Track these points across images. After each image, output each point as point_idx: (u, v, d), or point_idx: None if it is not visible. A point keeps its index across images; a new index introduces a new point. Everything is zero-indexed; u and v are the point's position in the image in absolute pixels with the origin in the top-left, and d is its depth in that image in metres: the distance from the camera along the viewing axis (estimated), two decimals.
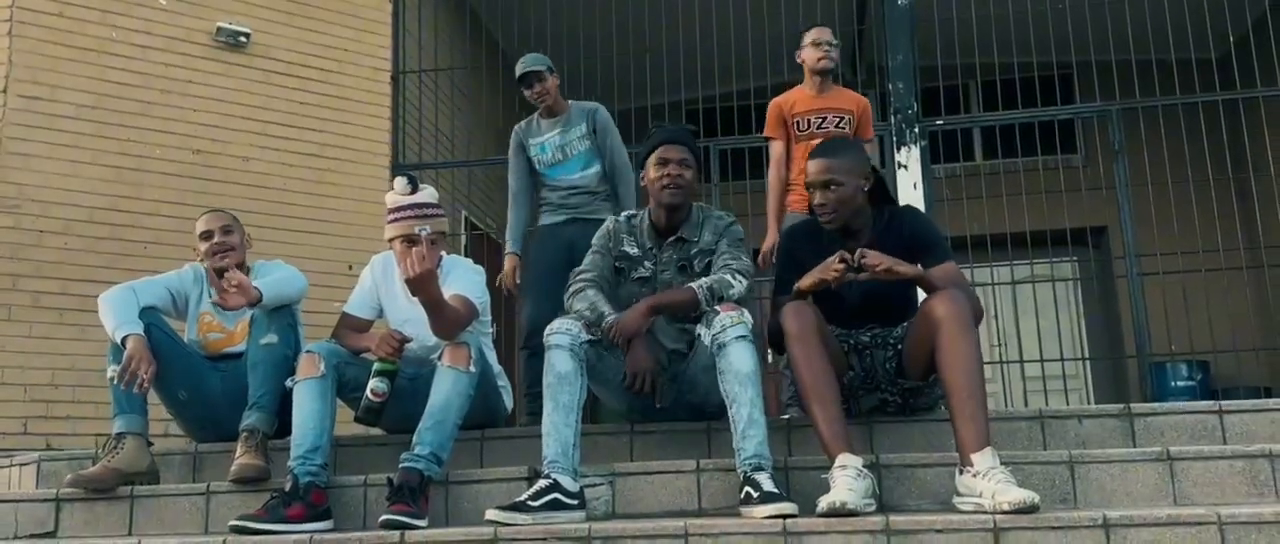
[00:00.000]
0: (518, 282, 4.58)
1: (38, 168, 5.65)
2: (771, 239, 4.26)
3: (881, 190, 3.14)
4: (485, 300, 3.32)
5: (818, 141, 4.34)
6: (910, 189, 6.13)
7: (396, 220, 3.29)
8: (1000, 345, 8.48)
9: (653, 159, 3.22)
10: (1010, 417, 3.20)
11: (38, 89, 5.74)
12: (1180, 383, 8.37)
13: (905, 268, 2.84)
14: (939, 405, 3.14)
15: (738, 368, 2.79)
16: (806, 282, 2.90)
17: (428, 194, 3.36)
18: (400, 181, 3.28)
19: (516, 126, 4.68)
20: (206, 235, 3.55)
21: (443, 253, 3.39)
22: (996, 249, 6.59)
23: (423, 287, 2.86)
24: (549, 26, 6.79)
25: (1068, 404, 6.15)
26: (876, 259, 2.81)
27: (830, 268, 2.84)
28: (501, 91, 7.76)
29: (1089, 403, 9.17)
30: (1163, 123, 6.77)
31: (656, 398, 3.04)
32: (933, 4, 6.86)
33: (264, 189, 6.22)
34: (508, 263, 4.61)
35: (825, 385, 2.72)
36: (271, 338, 3.23)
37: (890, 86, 6.23)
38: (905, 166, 6.16)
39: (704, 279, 3.09)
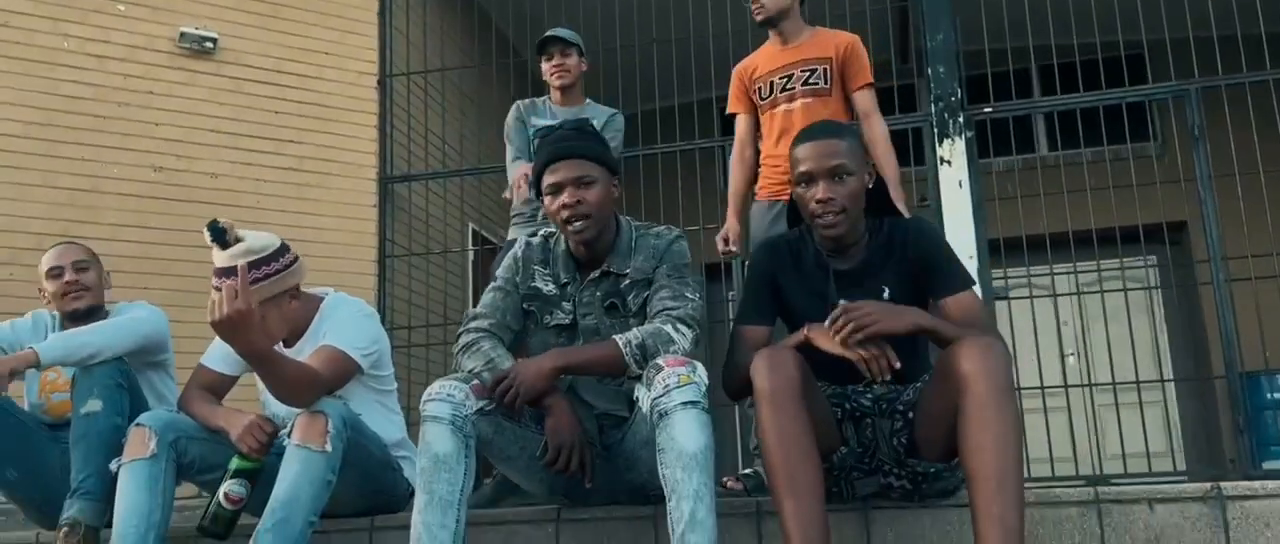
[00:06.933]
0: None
1: None
2: (729, 229, 3.67)
3: (880, 194, 2.42)
4: (377, 351, 2.65)
5: (783, 109, 3.52)
6: (955, 187, 5.34)
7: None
8: (1074, 355, 7.60)
9: (543, 187, 2.48)
10: (1054, 501, 2.40)
11: None
12: (1278, 395, 7.47)
13: (903, 322, 2.13)
14: (962, 488, 2.38)
15: (682, 446, 2.07)
16: (797, 340, 2.21)
17: (258, 240, 2.50)
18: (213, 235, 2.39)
19: (518, 103, 3.99)
20: (55, 273, 2.96)
21: (330, 290, 2.73)
22: (1058, 250, 5.74)
23: (234, 333, 2.17)
24: (564, 14, 6.07)
25: (1145, 428, 5.26)
26: (864, 314, 2.09)
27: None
28: (509, 89, 7.09)
29: (1174, 425, 8.19)
30: (1251, 103, 5.84)
31: (586, 477, 2.35)
32: None
33: (235, 208, 5.65)
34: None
35: (801, 469, 2.00)
36: (93, 405, 2.58)
37: (929, 71, 5.44)
38: (948, 162, 5.36)
39: (634, 332, 2.36)
